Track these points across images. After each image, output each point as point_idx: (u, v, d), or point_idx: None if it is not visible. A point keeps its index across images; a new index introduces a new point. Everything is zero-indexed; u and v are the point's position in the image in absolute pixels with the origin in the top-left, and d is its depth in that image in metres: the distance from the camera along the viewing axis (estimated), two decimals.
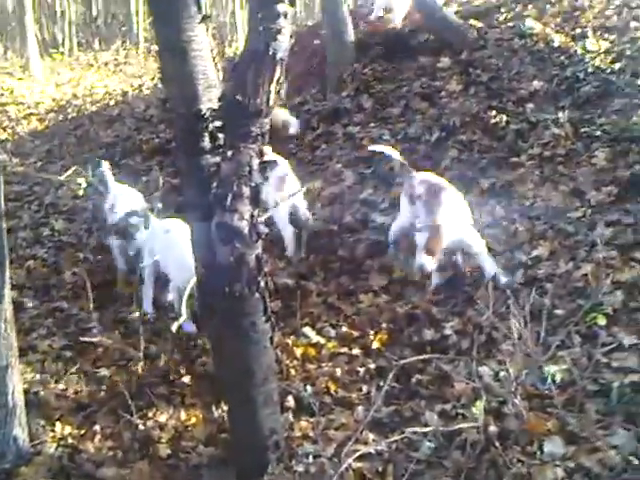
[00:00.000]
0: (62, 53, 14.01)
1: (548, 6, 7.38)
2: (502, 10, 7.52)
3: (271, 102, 3.39)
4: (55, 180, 6.43)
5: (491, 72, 6.60)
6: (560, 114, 5.68)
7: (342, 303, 4.67)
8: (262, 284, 3.48)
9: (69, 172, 4.83)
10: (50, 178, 6.45)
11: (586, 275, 4.14)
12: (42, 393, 4.03)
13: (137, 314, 4.67)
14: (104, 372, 4.21)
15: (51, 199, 6.82)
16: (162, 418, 3.80)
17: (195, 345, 4.40)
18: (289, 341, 4.24)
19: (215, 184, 3.40)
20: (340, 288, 4.84)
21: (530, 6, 7.46)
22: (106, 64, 12.94)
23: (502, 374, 3.50)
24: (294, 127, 6.75)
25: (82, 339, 4.57)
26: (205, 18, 3.45)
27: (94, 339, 4.48)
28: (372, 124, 6.61)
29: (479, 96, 6.32)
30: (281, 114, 6.42)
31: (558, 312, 3.94)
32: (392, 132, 6.40)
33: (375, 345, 4.17)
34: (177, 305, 4.68)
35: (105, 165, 5.53)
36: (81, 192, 4.62)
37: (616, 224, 4.53)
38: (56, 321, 4.97)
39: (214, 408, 3.80)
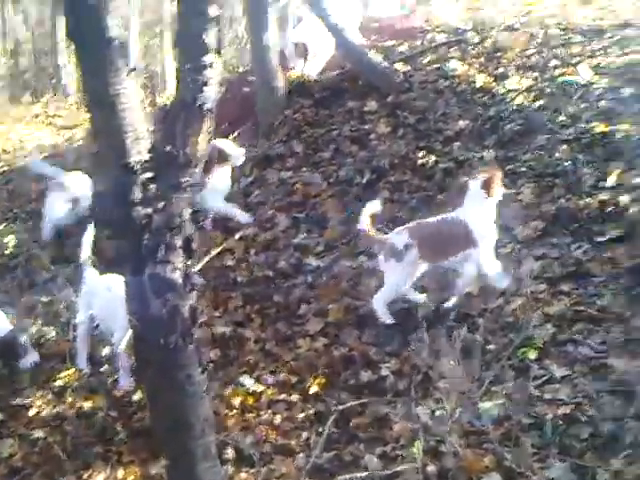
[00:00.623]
0: None
1: (471, 47, 7.59)
2: (427, 53, 7.69)
3: (201, 152, 3.43)
4: None
5: (418, 114, 6.73)
6: (485, 152, 5.84)
7: (279, 349, 4.67)
8: (197, 335, 3.46)
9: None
10: None
11: (516, 309, 4.23)
12: None
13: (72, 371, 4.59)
14: (38, 434, 4.11)
15: None
16: (99, 478, 3.72)
17: (131, 401, 4.33)
18: (227, 391, 4.21)
19: (147, 236, 3.39)
20: (277, 334, 4.84)
21: (453, 48, 7.66)
22: (36, 117, 12.80)
23: (439, 413, 3.54)
24: (238, 159, 6.63)
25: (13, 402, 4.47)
26: (133, 71, 3.48)
27: (26, 400, 4.38)
28: (304, 168, 6.67)
29: (407, 137, 6.44)
30: (226, 145, 6.34)
31: (491, 347, 4.01)
32: (324, 175, 6.47)
33: (313, 390, 4.17)
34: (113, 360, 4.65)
35: None
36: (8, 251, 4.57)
37: (543, 258, 4.64)
38: None
39: (152, 464, 3.73)
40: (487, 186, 4.52)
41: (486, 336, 4.01)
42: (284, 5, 9.93)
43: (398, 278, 4.58)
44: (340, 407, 3.68)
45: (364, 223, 4.63)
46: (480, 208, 4.51)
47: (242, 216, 6.16)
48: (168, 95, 12.23)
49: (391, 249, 4.57)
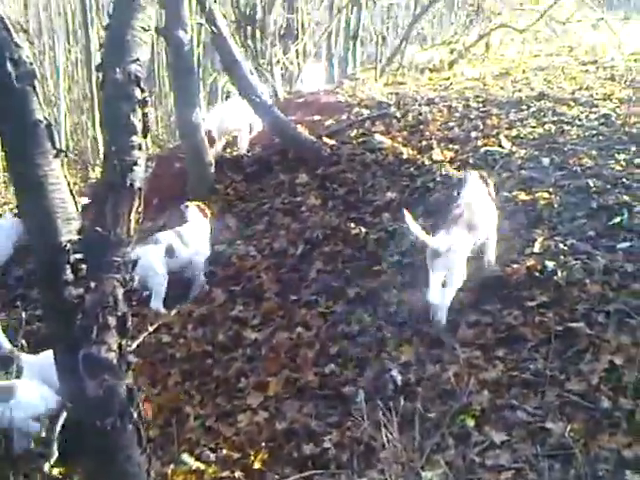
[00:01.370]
0: None
1: (395, 121, 7.82)
2: (353, 127, 7.88)
3: (131, 231, 3.43)
4: None
5: (347, 186, 6.87)
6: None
7: (220, 424, 4.62)
8: (135, 415, 3.41)
9: None
10: None
11: (453, 377, 4.28)
12: None
13: None
14: None
15: None
16: None
17: None
18: (168, 470, 4.13)
19: (79, 316, 3.35)
20: (217, 409, 4.78)
21: (377, 122, 7.87)
22: None
23: None
24: None
25: None
26: (60, 152, 3.48)
27: None
28: (238, 241, 6.70)
29: (338, 209, 6.55)
30: None
31: (430, 415, 4.03)
32: (258, 248, 6.50)
33: (257, 465, 4.13)
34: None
35: None
36: None
37: (476, 324, 4.74)
38: None
39: None
40: None
41: (425, 404, 4.04)
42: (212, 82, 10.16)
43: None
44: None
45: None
46: None
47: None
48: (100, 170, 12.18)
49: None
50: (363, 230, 6.10)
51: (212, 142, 7.84)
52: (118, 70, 3.41)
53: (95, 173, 12.08)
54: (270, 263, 6.23)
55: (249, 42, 10.38)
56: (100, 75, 3.57)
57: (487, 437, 3.78)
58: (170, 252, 6.24)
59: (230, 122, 8.18)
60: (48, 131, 3.37)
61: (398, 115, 7.93)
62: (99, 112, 13.42)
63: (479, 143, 6.84)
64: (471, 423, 3.84)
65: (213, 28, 7.26)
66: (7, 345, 4.85)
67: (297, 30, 11.54)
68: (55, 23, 15.17)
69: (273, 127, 7.81)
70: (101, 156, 12.64)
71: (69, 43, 15.45)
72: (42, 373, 4.56)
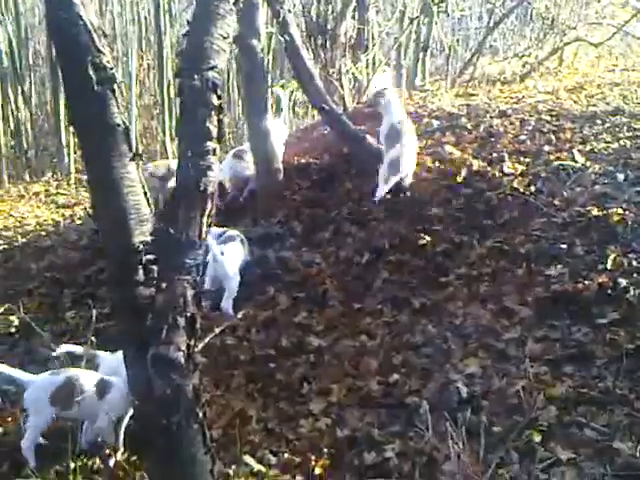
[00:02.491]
0: None
1: (465, 133, 7.77)
2: (422, 137, 7.86)
3: (203, 234, 3.49)
4: None
5: (414, 196, 6.83)
6: (482, 235, 5.93)
7: (282, 428, 4.63)
8: (201, 415, 3.46)
9: (1, 310, 4.77)
10: None
11: (519, 391, 4.23)
12: None
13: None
14: None
15: None
16: None
17: None
18: (230, 471, 4.17)
19: (150, 316, 3.42)
20: (280, 413, 4.80)
21: (448, 133, 7.83)
22: (37, 195, 12.92)
23: None
24: None
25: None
26: (136, 156, 3.57)
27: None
28: (304, 248, 6.73)
29: (405, 219, 6.52)
30: None
31: (495, 429, 3.99)
32: (323, 255, 6.51)
33: (317, 471, 4.13)
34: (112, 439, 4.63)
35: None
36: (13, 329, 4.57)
37: (544, 340, 4.68)
38: None
39: None
40: None
41: (490, 418, 4.00)
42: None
43: None
44: None
45: None
46: None
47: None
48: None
49: None
50: (430, 241, 6.05)
51: None
52: (196, 77, 3.48)
53: None
54: (335, 271, 6.24)
55: (319, 52, 10.46)
56: (177, 81, 3.65)
57: (553, 454, 3.72)
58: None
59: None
60: (125, 134, 3.48)
61: (469, 127, 7.86)
62: (175, 118, 13.83)
63: (551, 157, 6.74)
64: (537, 439, 3.78)
65: (286, 37, 7.34)
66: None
67: (367, 40, 11.56)
68: (129, 30, 15.55)
69: (342, 136, 7.84)
70: (170, 159, 13.00)
71: (142, 50, 15.81)
72: (118, 371, 4.66)
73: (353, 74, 10.60)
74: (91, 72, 3.36)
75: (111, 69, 3.47)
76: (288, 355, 5.41)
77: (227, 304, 6.16)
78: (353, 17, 11.02)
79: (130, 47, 14.56)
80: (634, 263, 5.02)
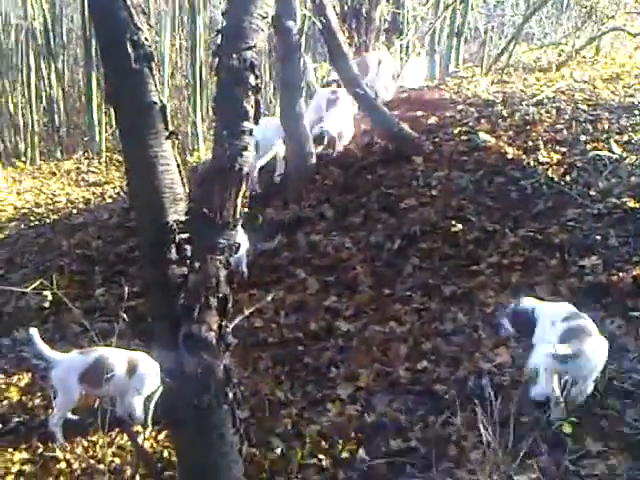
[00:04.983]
0: (24, 162, 14.10)
1: (500, 120, 7.69)
2: (456, 124, 7.79)
3: (237, 215, 3.48)
4: (16, 290, 6.35)
5: (446, 183, 6.78)
6: (515, 224, 5.88)
7: (310, 412, 4.64)
8: (230, 395, 3.46)
9: (35, 284, 4.80)
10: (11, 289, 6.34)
11: None
12: None
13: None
14: None
15: (12, 309, 6.73)
16: None
17: (161, 458, 4.31)
18: (257, 452, 4.18)
19: (182, 295, 3.42)
20: (307, 396, 4.82)
21: (483, 120, 7.76)
22: (68, 173, 13.03)
23: None
24: None
25: (44, 453, 4.48)
26: (172, 134, 3.57)
27: (56, 453, 4.39)
28: (334, 232, 6.71)
29: (436, 206, 6.48)
30: None
31: (524, 419, 3.96)
32: (354, 240, 6.50)
33: (344, 455, 4.14)
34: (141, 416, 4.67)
35: (34, 333, 4.88)
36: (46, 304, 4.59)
37: None
38: (17, 434, 4.82)
39: None
40: None
41: (519, 408, 3.96)
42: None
43: None
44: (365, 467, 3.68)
45: None
46: None
47: None
48: (199, 156, 12.46)
49: None
50: (463, 229, 6.01)
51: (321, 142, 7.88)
52: (234, 56, 3.46)
53: (193, 158, 12.33)
54: (365, 256, 6.22)
55: (354, 35, 10.39)
56: (215, 61, 3.63)
57: (583, 446, 3.69)
58: None
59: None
60: (162, 113, 3.47)
61: (504, 114, 7.77)
62: (207, 99, 13.85)
63: (588, 147, 6.65)
64: (567, 430, 3.75)
65: (322, 19, 7.29)
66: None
67: (402, 25, 11.48)
68: (162, 9, 15.55)
69: (375, 121, 7.79)
70: (200, 142, 13.04)
71: (174, 30, 15.81)
72: None
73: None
74: (129, 49, 3.35)
75: (149, 46, 3.46)
76: (317, 339, 5.43)
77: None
78: (388, 1, 10.95)
79: (163, 27, 14.56)
80: None
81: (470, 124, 7.72)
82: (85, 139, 14.90)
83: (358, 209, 6.94)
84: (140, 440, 4.25)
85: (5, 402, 5.19)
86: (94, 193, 11.44)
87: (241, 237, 6.32)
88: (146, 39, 3.44)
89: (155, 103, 3.43)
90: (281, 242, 6.78)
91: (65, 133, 15.53)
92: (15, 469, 4.41)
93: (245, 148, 3.49)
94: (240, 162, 3.46)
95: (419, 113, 8.33)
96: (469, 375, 4.53)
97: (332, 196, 7.28)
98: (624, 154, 6.41)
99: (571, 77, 9.32)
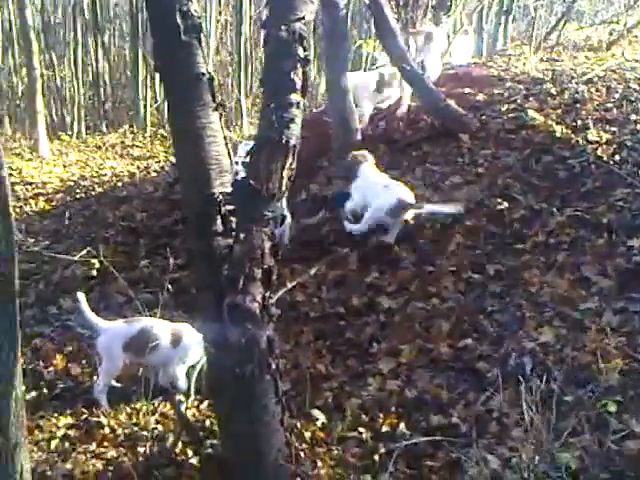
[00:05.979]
0: (70, 135, 14.27)
1: (549, 98, 7.57)
2: (504, 102, 7.69)
3: (283, 187, 3.49)
4: (63, 259, 6.46)
5: (496, 162, 6.71)
6: (562, 203, 5.80)
7: (351, 386, 4.66)
8: (273, 366, 3.49)
9: (82, 252, 4.87)
10: (59, 257, 6.46)
11: (594, 362, 4.15)
12: (49, 473, 4.00)
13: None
14: (111, 452, 4.19)
15: (58, 278, 6.85)
16: None
17: (203, 427, 4.37)
18: (298, 423, 4.22)
19: (227, 266, 3.45)
20: (348, 371, 4.84)
21: (531, 98, 7.65)
22: (113, 147, 13.17)
23: (514, 461, 3.48)
24: None
25: (89, 418, 4.57)
26: (219, 106, 3.58)
27: (101, 419, 4.48)
28: None
29: (483, 184, 6.41)
30: None
31: (567, 399, 3.93)
32: None
33: (385, 429, 4.15)
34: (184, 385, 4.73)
35: (81, 299, 5.00)
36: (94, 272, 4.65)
37: (623, 312, 4.57)
38: (63, 400, 4.93)
39: None
40: None
41: (563, 387, 3.93)
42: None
43: None
44: (406, 443, 3.69)
45: None
46: None
47: None
48: (242, 132, 12.50)
49: None
50: (508, 207, 5.94)
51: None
52: (283, 27, 3.46)
53: (236, 134, 12.37)
54: (409, 233, 6.18)
55: (401, 12, 10.27)
56: (264, 32, 3.63)
57: (627, 426, 3.65)
58: None
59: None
60: (210, 84, 3.49)
61: (553, 92, 7.65)
62: (252, 75, 13.83)
63: (638, 127, 6.52)
64: (612, 409, 3.71)
65: None
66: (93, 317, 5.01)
67: (450, 2, 11.32)
68: None
69: (422, 98, 7.72)
70: (244, 117, 13.06)
71: (220, 5, 15.81)
72: None
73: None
74: (179, 20, 3.37)
75: (198, 18, 3.48)
76: (358, 314, 5.43)
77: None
78: None
79: (209, 2, 14.57)
80: None
81: (518, 102, 7.61)
82: (130, 113, 15.04)
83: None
84: (183, 408, 4.31)
85: (51, 369, 5.30)
86: (138, 167, 11.54)
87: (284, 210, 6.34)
88: (195, 10, 3.46)
89: (203, 74, 3.46)
90: (324, 218, 6.76)
91: (110, 107, 15.71)
92: (60, 433, 4.51)
93: (292, 120, 3.50)
94: (287, 134, 3.47)
95: (466, 90, 8.23)
96: (512, 353, 4.49)
97: None
98: None
99: (622, 56, 9.13)
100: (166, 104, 3.90)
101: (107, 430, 4.44)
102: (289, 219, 6.39)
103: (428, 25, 9.22)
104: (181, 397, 4.71)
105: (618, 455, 3.49)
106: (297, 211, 6.68)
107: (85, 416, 4.66)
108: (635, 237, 5.17)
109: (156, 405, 4.69)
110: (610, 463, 3.44)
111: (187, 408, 4.52)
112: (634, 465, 3.43)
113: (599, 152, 6.23)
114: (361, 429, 4.18)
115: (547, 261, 5.30)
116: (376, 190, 6.18)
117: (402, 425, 4.16)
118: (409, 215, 6.02)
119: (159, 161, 11.87)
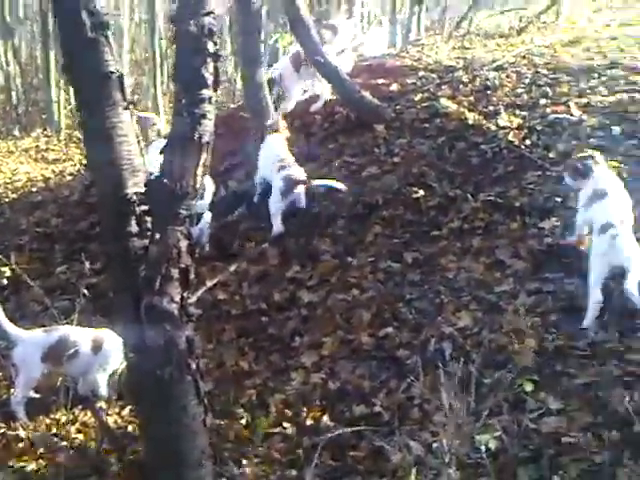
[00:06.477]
0: None
1: (461, 86, 7.69)
2: (417, 91, 7.78)
3: (197, 184, 3.45)
4: None
5: (408, 151, 6.78)
6: (476, 189, 5.91)
7: (274, 382, 4.66)
8: (193, 366, 3.46)
9: None
10: None
11: (511, 343, 4.25)
12: None
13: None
14: (31, 466, 4.08)
15: None
16: None
17: (125, 433, 4.30)
18: (222, 422, 4.19)
19: (143, 267, 3.40)
20: (271, 366, 4.84)
21: (444, 86, 7.76)
22: (27, 151, 12.82)
23: (435, 445, 3.54)
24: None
25: (6, 432, 4.45)
26: (130, 104, 3.52)
27: (18, 432, 4.36)
28: None
29: (398, 173, 6.48)
30: None
31: (486, 381, 4.01)
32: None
33: (308, 422, 4.17)
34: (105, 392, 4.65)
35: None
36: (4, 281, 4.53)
37: (537, 292, 4.69)
38: None
39: None
40: None
41: (481, 370, 4.02)
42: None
43: None
44: (330, 435, 3.72)
45: None
46: None
47: None
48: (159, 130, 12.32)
49: None
50: (424, 195, 6.02)
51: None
52: (192, 22, 3.41)
53: (154, 132, 12.18)
54: (327, 225, 6.21)
55: (314, 4, 10.32)
56: (173, 27, 3.58)
57: (543, 404, 3.75)
58: None
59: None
60: (119, 83, 3.42)
61: (465, 80, 7.78)
62: (167, 73, 13.64)
63: (548, 110, 6.68)
64: (528, 389, 3.81)
65: None
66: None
67: None
68: None
69: (337, 90, 7.75)
70: (161, 115, 12.88)
71: (133, 3, 15.55)
72: None
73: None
74: (85, 17, 3.29)
75: (105, 15, 3.41)
76: (280, 309, 5.44)
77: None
78: None
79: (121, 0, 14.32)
80: None
81: (431, 90, 7.71)
82: (44, 116, 14.65)
83: (320, 178, 6.91)
84: (104, 416, 4.24)
85: None
86: (54, 171, 11.26)
87: (203, 208, 6.30)
88: (102, 7, 3.39)
89: (112, 73, 3.38)
90: (243, 214, 6.74)
91: (23, 111, 15.27)
92: None
93: (204, 116, 3.45)
94: (200, 131, 3.42)
95: (380, 81, 8.28)
96: (431, 340, 4.57)
97: None
98: (583, 116, 6.44)
99: (531, 42, 9.34)
100: (75, 104, 3.80)
101: (26, 443, 4.32)
102: (209, 216, 6.36)
103: (340, 17, 9.27)
104: (102, 404, 4.63)
105: (536, 433, 3.59)
106: (217, 208, 6.64)
107: (3, 430, 4.52)
108: (547, 219, 5.30)
109: (76, 414, 4.59)
110: (529, 442, 3.54)
111: (108, 415, 4.44)
112: (552, 442, 3.54)
113: (510, 137, 6.35)
114: (285, 424, 4.19)
115: (463, 246, 5.40)
116: (273, 170, 6.53)
117: (326, 417, 4.19)
118: (300, 189, 6.33)
119: (75, 164, 11.60)
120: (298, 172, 6.47)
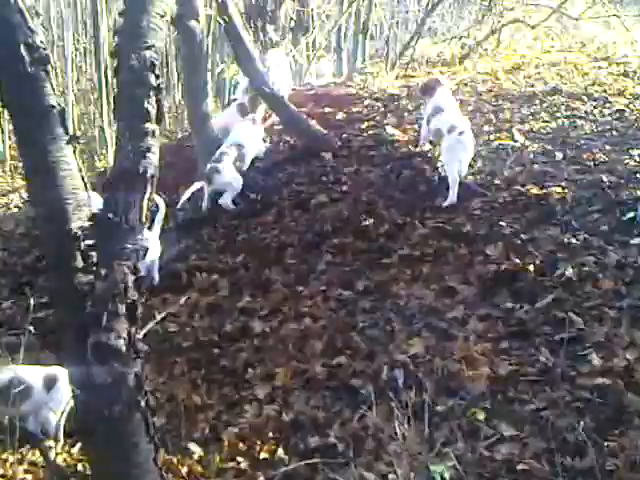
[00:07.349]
0: None
1: (406, 114, 7.78)
2: (364, 120, 7.85)
3: (143, 218, 3.41)
4: None
5: (357, 179, 6.83)
6: (424, 216, 5.96)
7: (227, 415, 4.59)
8: (143, 404, 3.39)
9: None
10: None
11: (463, 370, 4.26)
12: None
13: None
14: None
15: None
16: None
17: (76, 471, 4.19)
18: (174, 459, 4.11)
19: (89, 303, 3.33)
20: (224, 399, 4.76)
21: (389, 115, 7.84)
22: None
23: (391, 477, 3.52)
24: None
25: None
26: (72, 139, 3.46)
27: None
28: (245, 232, 6.66)
29: (347, 202, 6.50)
30: None
31: (439, 409, 4.01)
32: (266, 238, 6.45)
33: (263, 456, 4.11)
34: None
35: None
36: None
37: (487, 318, 4.72)
38: None
39: None
40: None
41: (434, 398, 4.02)
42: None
43: None
44: (285, 469, 3.67)
45: None
46: None
47: None
48: (107, 161, 12.20)
49: None
50: (373, 223, 6.04)
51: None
52: (133, 56, 3.39)
53: (102, 163, 12.09)
54: (278, 254, 6.20)
55: (259, 34, 10.34)
56: (114, 61, 3.55)
57: (497, 431, 3.77)
58: None
59: None
60: (60, 117, 3.37)
61: (410, 108, 7.88)
62: (113, 100, 13.46)
63: (491, 137, 6.80)
64: (481, 416, 3.82)
65: (225, 18, 7.22)
66: None
67: (307, 23, 11.50)
68: (64, 13, 15.14)
69: (284, 118, 7.78)
70: (108, 146, 12.76)
71: (77, 34, 15.43)
72: None
73: (294, 57, 10.56)
74: (24, 52, 3.24)
75: (44, 49, 3.36)
76: (232, 340, 5.37)
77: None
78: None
79: (65, 31, 14.17)
80: (573, 241, 5.11)
81: (377, 119, 7.80)
82: None
83: (269, 207, 6.91)
84: (52, 455, 4.12)
85: None
86: None
87: (152, 241, 6.21)
88: (41, 42, 3.34)
89: (53, 107, 3.33)
90: (191, 245, 6.69)
91: None
92: None
93: (149, 149, 3.41)
94: (144, 164, 3.38)
95: (327, 110, 8.36)
96: (384, 368, 4.55)
97: (243, 194, 7.22)
98: (527, 142, 6.57)
99: (474, 69, 9.52)
100: (16, 139, 3.74)
101: None
102: (159, 249, 6.28)
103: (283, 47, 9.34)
104: (50, 442, 4.51)
105: (490, 460, 3.60)
106: (166, 239, 6.57)
107: None
108: (493, 245, 5.36)
109: (24, 453, 4.46)
110: (483, 469, 3.54)
111: (57, 454, 4.33)
112: (506, 469, 3.54)
113: None
114: (239, 458, 4.12)
115: (413, 273, 5.42)
116: None
117: (280, 450, 4.12)
118: None
119: (21, 196, 11.41)
120: None
